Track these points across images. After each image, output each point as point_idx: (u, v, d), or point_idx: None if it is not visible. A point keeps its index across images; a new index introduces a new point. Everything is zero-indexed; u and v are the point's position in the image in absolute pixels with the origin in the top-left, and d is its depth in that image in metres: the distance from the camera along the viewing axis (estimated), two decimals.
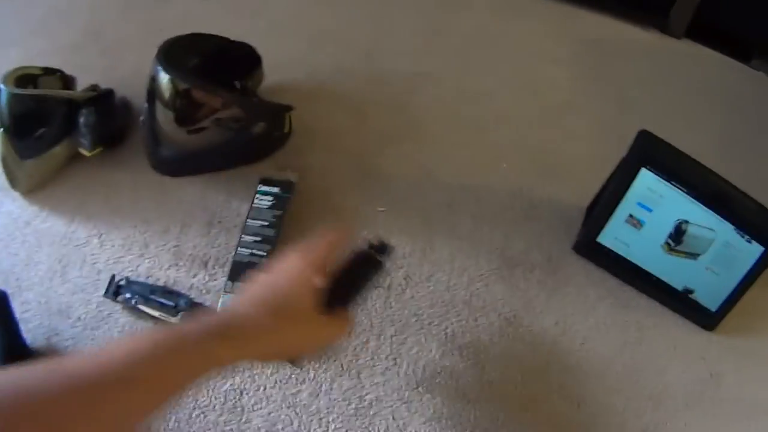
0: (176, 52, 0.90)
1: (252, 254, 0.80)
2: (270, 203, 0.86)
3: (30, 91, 0.92)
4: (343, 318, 0.57)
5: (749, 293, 0.83)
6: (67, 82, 1.00)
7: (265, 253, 0.80)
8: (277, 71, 1.04)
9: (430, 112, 1.08)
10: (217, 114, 0.90)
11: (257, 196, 0.87)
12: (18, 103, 0.90)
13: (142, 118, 0.93)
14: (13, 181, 0.92)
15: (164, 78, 0.87)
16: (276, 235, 0.82)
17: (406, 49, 1.21)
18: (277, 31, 1.22)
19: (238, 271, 0.79)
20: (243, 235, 0.82)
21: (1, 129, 0.89)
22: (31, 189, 0.92)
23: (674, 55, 1.31)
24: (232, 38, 0.99)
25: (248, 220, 0.84)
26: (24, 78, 0.93)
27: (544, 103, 1.14)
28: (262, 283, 0.53)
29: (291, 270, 0.53)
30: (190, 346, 0.44)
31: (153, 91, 0.90)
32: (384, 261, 0.62)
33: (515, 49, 1.26)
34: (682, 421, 0.76)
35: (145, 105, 0.91)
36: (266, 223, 0.83)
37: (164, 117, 0.90)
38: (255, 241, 0.81)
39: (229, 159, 0.95)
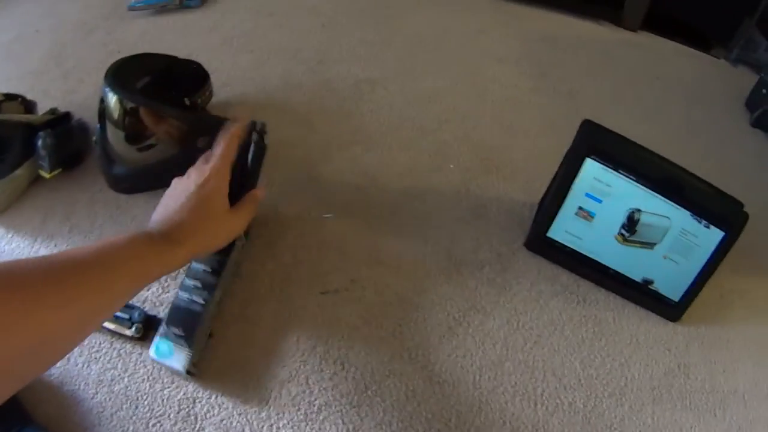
0: (124, 73, 0.92)
1: (191, 300, 0.73)
2: None
3: None
4: (250, 201, 0.72)
5: (713, 280, 0.80)
6: (28, 106, 1.02)
7: (203, 302, 0.73)
8: (228, 87, 1.05)
9: (377, 117, 1.07)
10: (162, 130, 0.90)
11: None
12: None
13: (94, 138, 0.94)
14: None
15: (112, 98, 0.88)
16: (215, 283, 0.74)
17: (353, 57, 1.21)
18: (229, 47, 1.23)
19: (176, 315, 0.73)
20: (186, 278, 0.75)
21: None
22: None
23: (630, 48, 1.30)
24: (181, 56, 1.00)
25: (193, 261, 0.76)
26: None
27: (492, 102, 1.13)
28: (179, 191, 0.68)
29: (198, 178, 0.69)
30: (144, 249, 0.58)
31: (103, 112, 0.91)
32: (267, 142, 0.76)
33: (462, 49, 1.26)
34: (649, 415, 0.74)
35: (97, 126, 0.92)
36: (209, 269, 0.75)
37: (115, 136, 0.91)
38: (195, 287, 0.74)
39: (178, 174, 0.95)
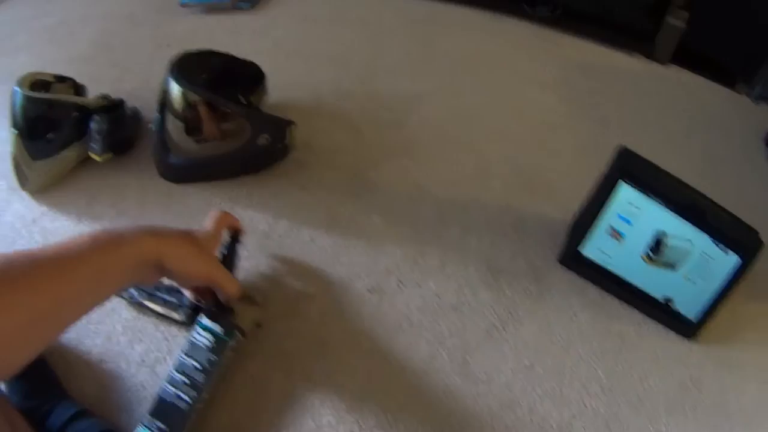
0: (187, 66, 0.95)
1: (178, 396, 0.67)
2: (209, 343, 0.71)
3: (44, 95, 0.95)
4: (233, 278, 0.71)
5: (728, 304, 0.86)
6: (78, 90, 1.04)
7: (190, 401, 0.67)
8: (279, 89, 1.10)
9: (423, 130, 1.14)
10: (224, 125, 0.95)
11: (197, 329, 0.72)
12: (32, 106, 0.92)
13: (151, 126, 0.98)
14: (23, 181, 0.95)
15: (176, 90, 0.92)
16: (205, 384, 0.68)
17: (400, 71, 1.28)
18: (280, 51, 1.29)
19: (161, 409, 0.67)
20: (173, 371, 0.69)
21: (15, 130, 0.92)
22: (40, 189, 0.96)
23: (659, 80, 1.37)
24: (237, 56, 1.04)
25: (181, 355, 0.70)
26: (37, 83, 0.96)
27: (530, 123, 1.20)
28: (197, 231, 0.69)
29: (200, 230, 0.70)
30: (126, 238, 0.56)
31: (164, 102, 0.95)
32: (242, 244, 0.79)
33: (503, 71, 1.33)
34: (662, 423, 0.79)
35: (156, 115, 0.96)
36: (199, 366, 0.69)
37: (174, 127, 0.95)
38: (184, 383, 0.68)
39: (234, 168, 1.00)
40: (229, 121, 0.95)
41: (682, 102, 1.32)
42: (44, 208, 0.94)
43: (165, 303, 0.79)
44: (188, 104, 0.93)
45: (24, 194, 0.96)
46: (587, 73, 1.35)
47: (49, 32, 1.34)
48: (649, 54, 1.42)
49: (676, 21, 1.35)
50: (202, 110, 0.93)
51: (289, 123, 1.00)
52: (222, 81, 0.98)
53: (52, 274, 0.48)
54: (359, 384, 0.77)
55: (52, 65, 1.06)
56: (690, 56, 1.43)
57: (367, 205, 0.98)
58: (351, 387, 0.76)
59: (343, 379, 0.77)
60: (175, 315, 0.79)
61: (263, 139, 0.97)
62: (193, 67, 0.96)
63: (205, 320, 0.72)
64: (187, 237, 0.64)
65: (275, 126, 1.00)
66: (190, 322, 0.77)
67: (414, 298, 0.86)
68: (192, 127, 0.95)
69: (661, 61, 1.41)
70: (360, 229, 0.94)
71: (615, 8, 1.44)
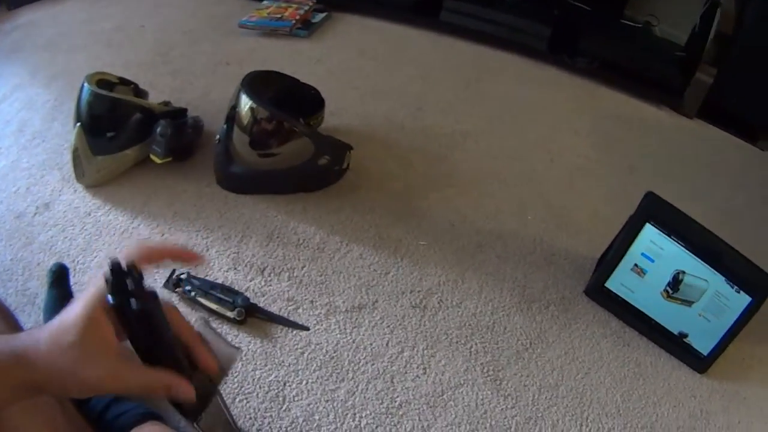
0: (257, 84, 1.03)
1: None
2: None
3: (112, 94, 1.00)
4: (159, 375, 0.46)
5: (738, 344, 0.94)
6: (140, 94, 1.10)
7: None
8: (333, 115, 1.20)
9: (467, 165, 1.24)
10: (288, 143, 1.02)
11: None
12: (98, 103, 0.98)
13: (217, 136, 1.04)
14: (80, 174, 1.00)
15: (246, 105, 0.99)
16: None
17: (448, 109, 1.38)
18: (334, 79, 1.38)
19: None
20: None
21: (79, 124, 0.96)
22: (96, 184, 1.01)
23: (685, 133, 1.46)
24: (301, 80, 1.13)
25: None
26: (102, 83, 1.01)
27: (564, 166, 1.30)
28: (62, 321, 0.44)
29: (87, 308, 0.44)
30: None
31: (233, 116, 1.01)
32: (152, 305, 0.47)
33: (542, 116, 1.43)
34: None
35: (223, 126, 1.02)
36: None
37: (239, 139, 1.02)
38: None
39: (292, 184, 1.08)
40: (292, 139, 1.02)
41: (706, 155, 1.41)
42: (98, 202, 1.00)
43: (219, 301, 0.85)
44: (256, 119, 1.00)
45: (78, 186, 1.01)
46: (618, 123, 1.44)
47: (106, 36, 1.43)
48: (677, 107, 1.51)
49: (705, 77, 1.45)
50: (269, 126, 1.00)
51: (349, 147, 1.09)
52: (285, 101, 1.06)
53: None
54: (399, 390, 0.84)
55: (111, 68, 1.13)
56: (715, 111, 1.51)
57: (413, 229, 1.07)
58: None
59: (383, 385, 0.85)
60: (228, 314, 0.84)
61: (324, 160, 1.06)
62: (261, 84, 1.04)
63: None
64: (62, 343, 0.42)
65: (336, 148, 1.08)
66: (243, 320, 0.83)
67: (453, 317, 0.95)
68: (257, 141, 1.02)
69: (687, 114, 1.51)
70: (406, 250, 1.03)
71: (648, 62, 1.55)
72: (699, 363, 0.96)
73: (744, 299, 0.91)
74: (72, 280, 0.87)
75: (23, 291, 0.89)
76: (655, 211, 0.93)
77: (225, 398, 0.76)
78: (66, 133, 1.09)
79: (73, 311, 0.43)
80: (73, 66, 1.30)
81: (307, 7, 1.62)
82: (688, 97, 1.50)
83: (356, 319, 0.92)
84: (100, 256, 0.93)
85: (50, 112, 1.22)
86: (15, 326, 0.64)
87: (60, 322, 0.43)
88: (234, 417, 0.74)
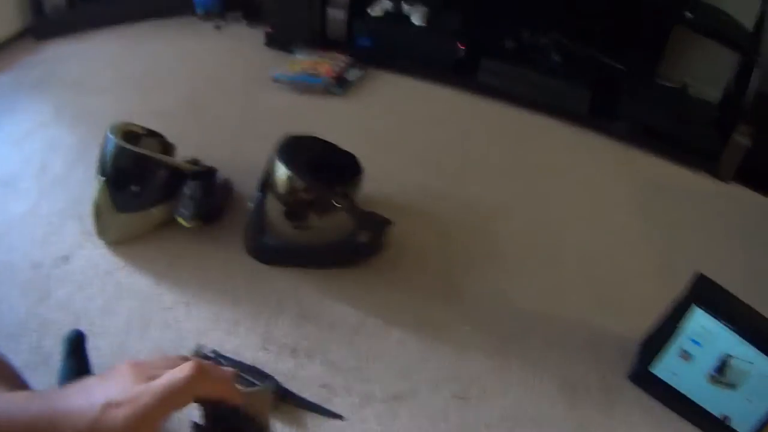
0: (294, 150, 0.99)
1: None
2: None
3: (140, 150, 0.96)
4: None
5: None
6: (167, 148, 1.05)
7: None
8: (371, 182, 1.14)
9: (508, 239, 1.20)
10: (326, 216, 0.98)
11: None
12: (123, 157, 0.94)
13: (250, 204, 1.00)
14: (102, 230, 0.96)
15: (283, 173, 0.94)
16: None
17: (488, 178, 1.35)
18: (370, 141, 1.34)
19: None
20: None
21: (102, 178, 0.93)
22: (118, 241, 0.97)
23: (724, 200, 1.43)
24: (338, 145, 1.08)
25: None
26: (129, 134, 0.97)
27: (604, 240, 1.26)
28: (84, 396, 0.39)
29: (116, 392, 0.38)
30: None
31: (267, 183, 0.97)
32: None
33: (582, 184, 1.39)
34: None
35: (258, 193, 0.98)
36: None
37: (274, 208, 0.98)
38: None
39: (329, 260, 1.03)
40: (331, 213, 0.98)
41: (745, 221, 1.37)
42: (119, 261, 0.96)
43: (250, 386, 0.78)
44: (293, 189, 0.95)
45: (98, 241, 0.97)
46: (656, 191, 1.42)
47: (135, 80, 1.39)
48: (713, 172, 1.48)
49: (742, 138, 1.41)
50: (307, 197, 0.96)
51: (389, 223, 1.05)
52: (321, 166, 1.01)
53: None
54: None
55: (138, 115, 1.09)
56: (751, 175, 1.47)
57: (454, 310, 1.03)
58: None
59: None
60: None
61: (363, 236, 1.02)
62: (297, 150, 1.00)
63: None
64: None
65: (376, 224, 1.04)
66: (273, 407, 0.78)
67: (496, 407, 0.90)
68: (293, 212, 0.98)
69: (723, 179, 1.47)
70: (448, 334, 0.99)
71: (684, 125, 1.52)
72: None
73: None
74: (89, 344, 0.81)
75: (37, 349, 0.85)
76: (704, 293, 0.91)
77: None
78: (88, 180, 1.04)
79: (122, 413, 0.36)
80: (100, 108, 1.26)
81: (342, 64, 1.57)
82: (724, 160, 1.46)
83: (395, 409, 0.87)
84: (119, 320, 0.88)
85: (73, 156, 1.18)
86: (20, 386, 0.58)
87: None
88: None
